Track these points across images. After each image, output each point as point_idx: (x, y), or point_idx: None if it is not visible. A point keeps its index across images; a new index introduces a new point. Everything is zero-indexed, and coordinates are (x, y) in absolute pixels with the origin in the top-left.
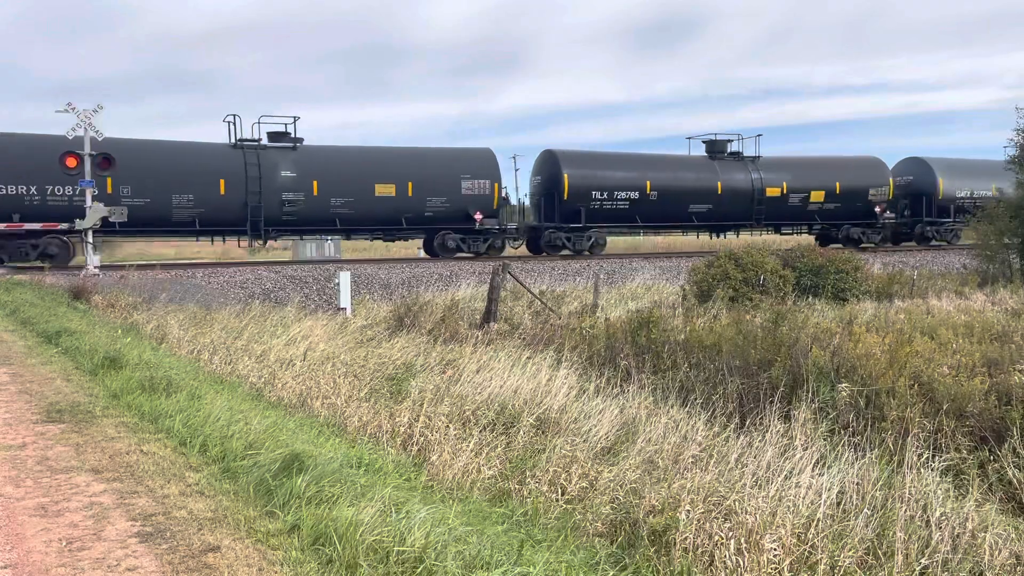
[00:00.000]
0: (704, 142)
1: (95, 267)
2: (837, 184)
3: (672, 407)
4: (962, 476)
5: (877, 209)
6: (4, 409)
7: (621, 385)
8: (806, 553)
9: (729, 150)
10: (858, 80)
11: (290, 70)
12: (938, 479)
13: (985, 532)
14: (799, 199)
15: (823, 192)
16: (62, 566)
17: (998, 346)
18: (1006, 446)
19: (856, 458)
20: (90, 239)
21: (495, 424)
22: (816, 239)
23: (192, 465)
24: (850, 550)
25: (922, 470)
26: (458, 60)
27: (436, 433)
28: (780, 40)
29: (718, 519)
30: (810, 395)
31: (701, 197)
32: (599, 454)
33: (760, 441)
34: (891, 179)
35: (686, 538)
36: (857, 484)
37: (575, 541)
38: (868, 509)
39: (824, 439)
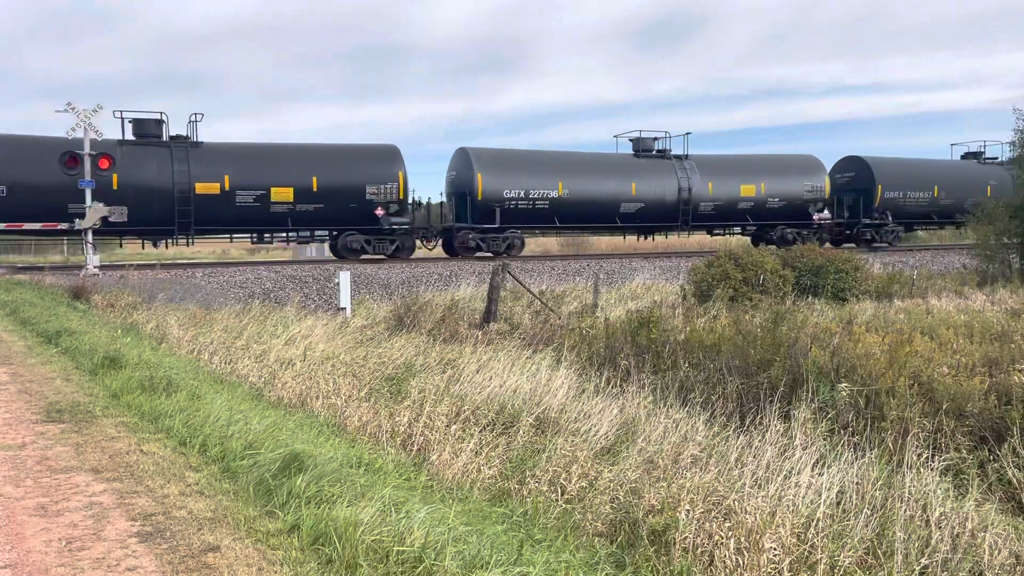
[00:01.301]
0: (132, 122)
1: (95, 267)
2: (314, 179)
3: (672, 407)
4: (962, 476)
5: (378, 212)
6: (4, 409)
7: (621, 385)
8: (806, 553)
9: (166, 135)
10: (858, 80)
11: (291, 70)
12: (938, 479)
13: (985, 532)
14: (254, 198)
15: (291, 190)
16: (62, 566)
17: (998, 346)
18: (1006, 446)
19: (856, 458)
20: (90, 239)
21: (495, 424)
22: (330, 248)
23: (192, 465)
24: (850, 550)
25: (922, 470)
26: (459, 60)
27: (436, 433)
28: (781, 40)
29: (718, 519)
30: (810, 395)
31: (79, 195)
32: (599, 454)
33: (760, 441)
34: (401, 174)
35: (686, 538)
36: (857, 484)
37: (575, 541)
38: (868, 509)
39: (824, 439)
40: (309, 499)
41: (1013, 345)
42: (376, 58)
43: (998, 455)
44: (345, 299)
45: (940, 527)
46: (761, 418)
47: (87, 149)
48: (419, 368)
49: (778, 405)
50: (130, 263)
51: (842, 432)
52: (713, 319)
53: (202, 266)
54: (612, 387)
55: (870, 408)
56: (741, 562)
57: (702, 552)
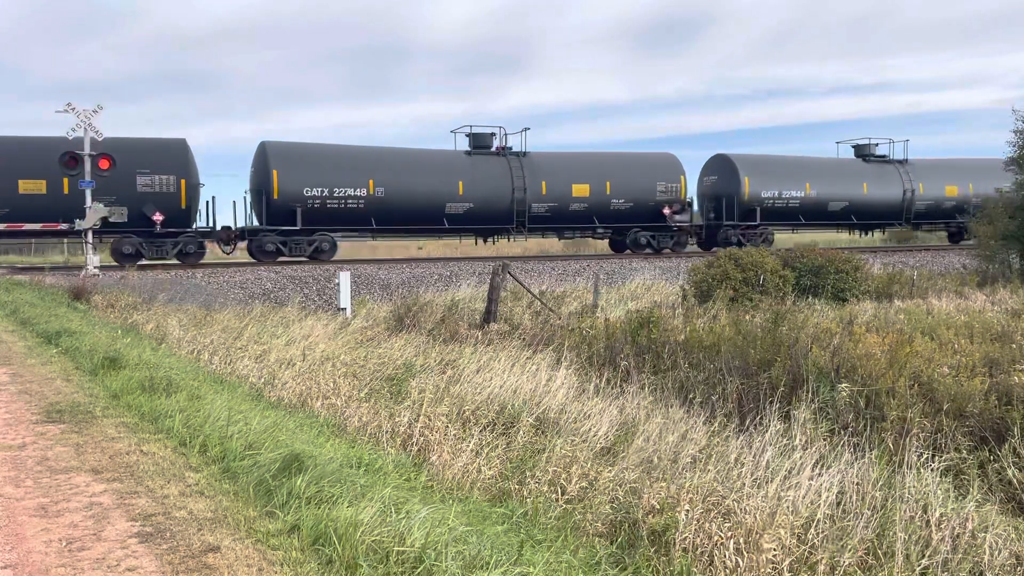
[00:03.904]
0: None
1: (95, 267)
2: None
3: (672, 407)
4: (962, 476)
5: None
6: (4, 409)
7: (621, 385)
8: (806, 553)
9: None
10: (862, 80)
11: (294, 70)
12: (938, 479)
13: (985, 532)
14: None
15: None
16: (62, 566)
17: (998, 346)
18: (1006, 446)
19: (856, 458)
20: (90, 239)
21: (495, 424)
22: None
23: (192, 465)
24: (850, 551)
25: (922, 470)
26: (462, 60)
27: (436, 433)
28: (784, 40)
29: (717, 519)
30: (810, 395)
31: None
32: (599, 454)
33: (760, 441)
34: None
35: (685, 538)
36: (857, 484)
37: (575, 541)
38: (868, 509)
39: (824, 439)
40: (309, 499)
41: (1013, 345)
42: (378, 58)
43: (998, 455)
44: (345, 299)
45: (940, 528)
46: (761, 418)
47: (87, 149)
48: (419, 368)
49: (778, 405)
50: (130, 263)
51: (842, 432)
52: (713, 319)
53: (202, 266)
54: (612, 387)
55: (870, 408)
56: (741, 562)
57: (702, 552)
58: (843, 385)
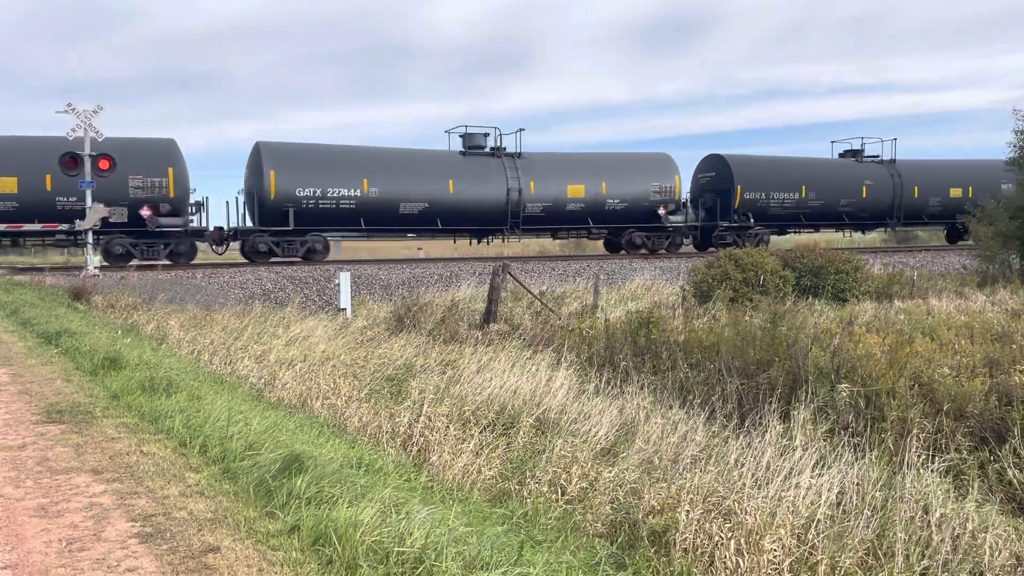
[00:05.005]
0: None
1: (95, 268)
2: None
3: (671, 407)
4: (962, 477)
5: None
6: (4, 410)
7: (620, 386)
8: (806, 554)
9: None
10: (862, 80)
11: (296, 71)
12: (938, 480)
13: (985, 533)
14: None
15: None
16: (62, 566)
17: (998, 346)
18: (1006, 447)
19: (856, 459)
20: (90, 240)
21: (495, 424)
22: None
23: (192, 466)
24: (850, 551)
25: (922, 471)
26: (464, 60)
27: (436, 434)
28: (785, 41)
29: (718, 519)
30: (810, 395)
31: None
32: (599, 454)
33: (759, 441)
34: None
35: (686, 538)
36: (857, 485)
37: (575, 541)
38: (868, 510)
39: (824, 439)
40: (309, 500)
41: (1014, 346)
42: (379, 59)
43: (999, 456)
44: (345, 300)
45: (941, 528)
46: (760, 419)
47: (87, 150)
48: (419, 369)
49: (777, 405)
50: (131, 263)
51: (842, 433)
52: (713, 320)
53: (202, 267)
54: (612, 388)
55: (870, 409)
56: (741, 563)
57: (702, 553)
58: (843, 385)
